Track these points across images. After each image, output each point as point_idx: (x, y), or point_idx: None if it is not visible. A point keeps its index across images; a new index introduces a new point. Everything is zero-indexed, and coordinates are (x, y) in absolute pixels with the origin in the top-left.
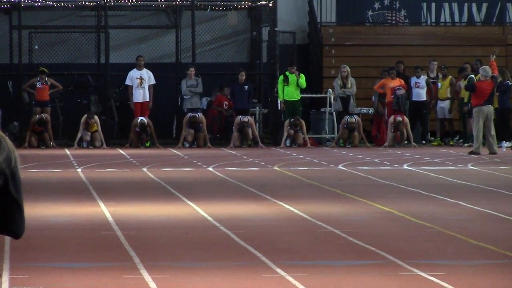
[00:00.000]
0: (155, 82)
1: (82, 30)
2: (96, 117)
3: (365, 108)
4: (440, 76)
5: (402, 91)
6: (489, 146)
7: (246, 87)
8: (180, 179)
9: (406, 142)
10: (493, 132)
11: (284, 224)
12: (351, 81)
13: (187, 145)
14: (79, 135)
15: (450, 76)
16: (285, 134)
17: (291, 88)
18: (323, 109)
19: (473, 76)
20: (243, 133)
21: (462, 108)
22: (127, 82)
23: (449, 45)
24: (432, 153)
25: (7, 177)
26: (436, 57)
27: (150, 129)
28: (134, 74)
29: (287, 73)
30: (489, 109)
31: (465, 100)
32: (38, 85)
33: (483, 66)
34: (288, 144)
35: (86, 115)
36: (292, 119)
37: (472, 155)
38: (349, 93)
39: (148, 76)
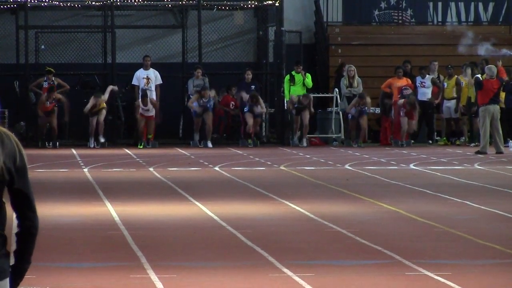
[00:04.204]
0: (161, 82)
1: (89, 30)
2: (102, 100)
3: (372, 108)
4: (446, 76)
5: (409, 91)
6: (496, 146)
7: (252, 86)
8: (186, 179)
9: (413, 141)
10: (500, 131)
11: (291, 224)
12: (357, 81)
13: (196, 141)
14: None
15: (456, 76)
16: (296, 127)
17: (297, 87)
18: (329, 109)
19: (479, 75)
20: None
21: (470, 108)
22: (134, 82)
23: (456, 44)
24: (439, 152)
25: (12, 173)
26: (442, 57)
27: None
28: (140, 74)
29: (293, 72)
30: (495, 108)
31: (472, 100)
32: (45, 85)
33: (489, 65)
34: (296, 142)
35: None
36: (301, 96)
37: (479, 155)
38: (356, 92)
39: (154, 76)
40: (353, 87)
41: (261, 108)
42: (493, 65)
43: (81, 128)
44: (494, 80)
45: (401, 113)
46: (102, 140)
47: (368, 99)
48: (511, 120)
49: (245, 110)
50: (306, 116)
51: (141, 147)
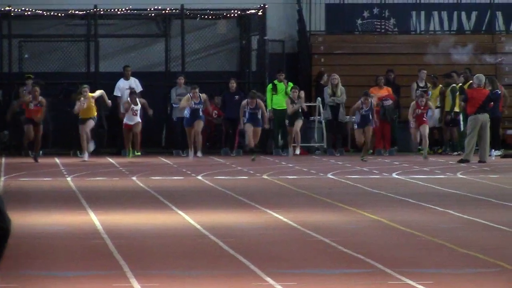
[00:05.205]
0: (142, 89)
1: (72, 39)
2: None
3: (354, 117)
4: (430, 85)
5: (389, 102)
6: (480, 154)
7: (236, 97)
8: (169, 188)
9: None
10: (487, 140)
11: (274, 233)
12: (340, 90)
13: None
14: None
15: (440, 85)
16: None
17: (279, 96)
18: (312, 118)
19: (455, 85)
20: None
21: (445, 117)
22: (116, 93)
23: (439, 53)
24: (421, 161)
25: None
26: (426, 66)
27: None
28: (122, 84)
29: (275, 81)
30: (485, 117)
31: (447, 109)
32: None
33: (477, 75)
34: (290, 153)
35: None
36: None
37: (461, 164)
38: (339, 101)
39: (136, 85)
40: (336, 96)
41: (263, 112)
42: (481, 74)
43: (65, 137)
44: (481, 89)
45: (412, 124)
46: (91, 148)
47: (374, 101)
48: (495, 129)
49: (244, 121)
50: (299, 124)
51: (130, 157)
